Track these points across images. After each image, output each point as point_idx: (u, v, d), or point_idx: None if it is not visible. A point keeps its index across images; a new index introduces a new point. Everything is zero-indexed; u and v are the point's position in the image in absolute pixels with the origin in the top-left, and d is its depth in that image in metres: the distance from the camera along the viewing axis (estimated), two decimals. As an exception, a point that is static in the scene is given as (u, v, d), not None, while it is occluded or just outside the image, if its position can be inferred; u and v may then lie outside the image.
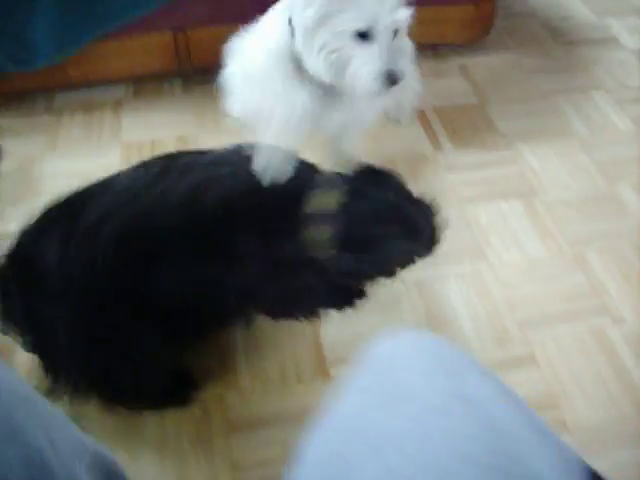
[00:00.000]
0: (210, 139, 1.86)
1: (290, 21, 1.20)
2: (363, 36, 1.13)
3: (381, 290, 1.53)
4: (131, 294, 1.13)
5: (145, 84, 2.06)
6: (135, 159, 1.31)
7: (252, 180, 1.17)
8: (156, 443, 1.31)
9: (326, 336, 1.48)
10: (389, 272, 1.28)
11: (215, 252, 1.15)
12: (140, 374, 1.23)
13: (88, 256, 1.10)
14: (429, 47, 2.21)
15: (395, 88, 1.16)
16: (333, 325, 1.49)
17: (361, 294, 1.40)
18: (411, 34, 2.08)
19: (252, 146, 1.23)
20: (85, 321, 1.14)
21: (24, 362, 1.32)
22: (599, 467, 0.65)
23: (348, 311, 1.39)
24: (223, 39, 1.35)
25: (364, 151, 1.82)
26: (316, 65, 1.19)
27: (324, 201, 1.17)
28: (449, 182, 1.81)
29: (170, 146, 1.88)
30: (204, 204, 1.14)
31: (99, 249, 1.10)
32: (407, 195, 1.27)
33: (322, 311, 1.37)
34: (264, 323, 1.41)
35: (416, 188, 1.68)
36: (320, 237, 1.15)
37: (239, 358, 1.44)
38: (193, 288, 1.16)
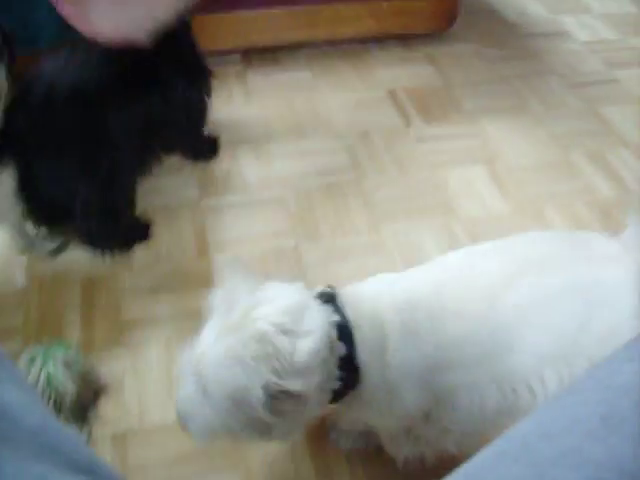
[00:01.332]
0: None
1: None
2: None
3: (362, 240, 1.71)
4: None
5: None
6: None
7: None
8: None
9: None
10: None
11: None
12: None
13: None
14: (398, 37, 2.41)
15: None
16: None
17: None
18: (381, 26, 2.30)
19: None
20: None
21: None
22: None
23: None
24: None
25: (341, 123, 2.02)
26: None
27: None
28: (420, 151, 2.00)
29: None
30: None
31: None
32: None
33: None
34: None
35: (391, 158, 1.88)
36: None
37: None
38: None
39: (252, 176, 1.90)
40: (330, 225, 1.76)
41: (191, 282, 1.62)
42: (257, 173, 1.90)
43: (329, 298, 1.05)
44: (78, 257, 1.66)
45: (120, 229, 1.66)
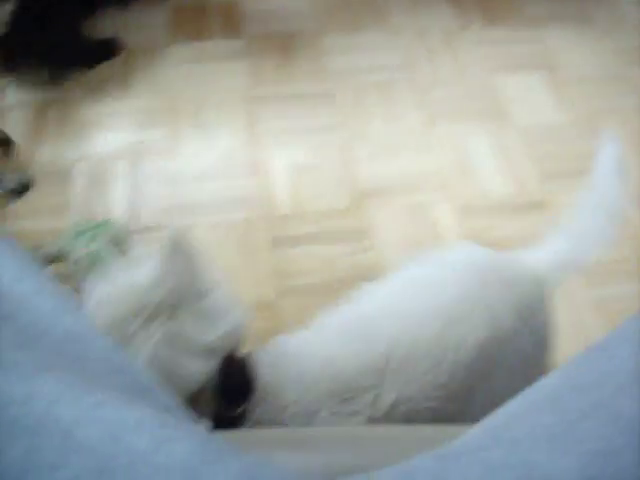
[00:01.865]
0: (255, 2, 1.97)
1: None
2: None
3: (413, 138, 1.67)
4: None
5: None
6: None
7: None
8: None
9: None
10: None
11: None
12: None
13: None
14: None
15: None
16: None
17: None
18: None
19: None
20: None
21: None
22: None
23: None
24: None
25: (398, 19, 1.94)
26: None
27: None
28: (478, 54, 1.92)
29: (215, 9, 1.99)
30: None
31: None
32: None
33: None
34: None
35: (448, 58, 1.81)
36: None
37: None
38: None
39: (302, 68, 1.84)
40: (381, 122, 1.72)
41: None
42: (310, 66, 1.85)
43: None
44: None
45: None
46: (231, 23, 1.97)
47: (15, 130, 1.65)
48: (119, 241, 1.39)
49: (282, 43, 1.91)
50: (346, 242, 1.49)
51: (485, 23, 2.00)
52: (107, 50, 1.84)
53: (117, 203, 1.55)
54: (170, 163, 1.62)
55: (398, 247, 1.48)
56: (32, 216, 1.52)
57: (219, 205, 1.55)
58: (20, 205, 1.49)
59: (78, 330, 0.60)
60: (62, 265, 1.35)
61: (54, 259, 1.36)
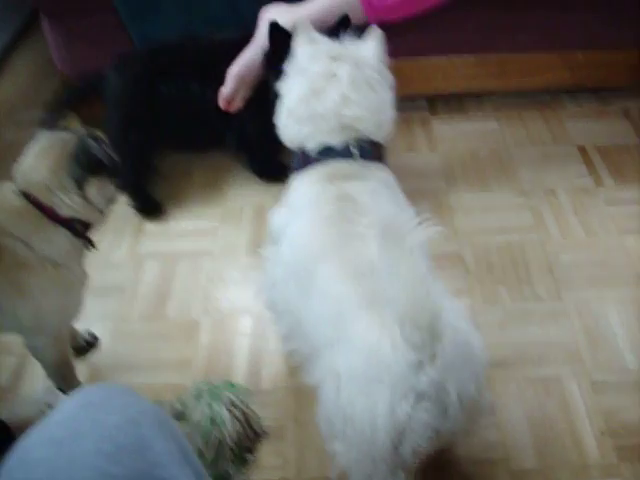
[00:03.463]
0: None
1: None
2: None
3: (542, 306, 1.63)
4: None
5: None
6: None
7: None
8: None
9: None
10: None
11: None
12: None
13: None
14: (592, 89, 2.30)
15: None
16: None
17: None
18: (576, 77, 2.20)
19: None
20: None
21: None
22: None
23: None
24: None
25: (526, 178, 1.94)
26: None
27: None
28: (610, 214, 1.88)
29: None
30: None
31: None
32: None
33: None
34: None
35: (578, 220, 1.78)
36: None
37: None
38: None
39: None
40: (509, 287, 1.69)
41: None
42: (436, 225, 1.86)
43: None
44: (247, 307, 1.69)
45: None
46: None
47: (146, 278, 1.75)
48: (239, 404, 1.40)
49: (409, 200, 1.94)
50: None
51: (616, 182, 1.97)
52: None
53: (239, 362, 1.58)
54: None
55: (524, 426, 1.42)
56: (153, 369, 1.58)
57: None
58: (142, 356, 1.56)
59: None
60: (182, 424, 1.38)
61: (175, 418, 1.39)
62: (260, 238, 1.86)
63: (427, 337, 0.89)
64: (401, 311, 0.90)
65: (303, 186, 1.24)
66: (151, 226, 1.94)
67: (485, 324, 1.61)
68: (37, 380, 1.59)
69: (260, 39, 1.49)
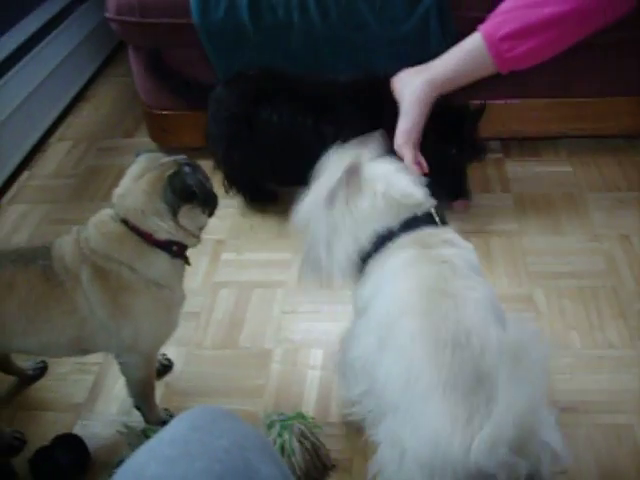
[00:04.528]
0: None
1: None
2: None
3: (615, 353, 1.62)
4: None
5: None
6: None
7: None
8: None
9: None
10: None
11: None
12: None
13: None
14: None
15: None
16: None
17: None
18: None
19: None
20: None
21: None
22: None
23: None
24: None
25: (599, 223, 1.93)
26: None
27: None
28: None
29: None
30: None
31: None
32: None
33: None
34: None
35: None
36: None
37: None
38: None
39: (500, 269, 1.87)
40: (581, 332, 1.69)
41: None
42: (508, 267, 1.87)
43: None
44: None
45: None
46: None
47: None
48: (309, 435, 1.42)
49: (482, 241, 1.95)
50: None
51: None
52: None
53: (309, 393, 1.60)
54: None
55: (595, 473, 1.40)
56: (225, 396, 1.62)
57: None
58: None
59: None
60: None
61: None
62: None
63: (514, 456, 0.88)
64: (499, 430, 0.87)
65: (393, 255, 1.20)
66: (227, 255, 2.00)
67: (555, 368, 1.60)
68: (112, 400, 1.64)
69: (411, 107, 1.59)
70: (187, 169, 1.31)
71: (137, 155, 1.38)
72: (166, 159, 1.34)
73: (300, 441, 1.40)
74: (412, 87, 1.60)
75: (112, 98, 2.96)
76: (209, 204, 1.38)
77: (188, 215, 1.33)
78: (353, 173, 1.22)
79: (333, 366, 1.62)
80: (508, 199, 2.12)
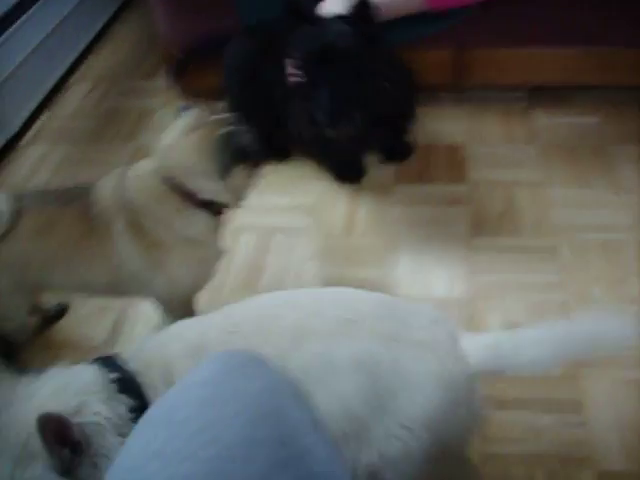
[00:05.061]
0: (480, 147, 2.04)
1: None
2: None
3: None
4: None
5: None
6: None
7: None
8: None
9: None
10: None
11: None
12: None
13: None
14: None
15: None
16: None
17: None
18: None
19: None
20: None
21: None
22: None
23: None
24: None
25: (627, 176, 1.90)
26: None
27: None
28: None
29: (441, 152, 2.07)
30: None
31: None
32: None
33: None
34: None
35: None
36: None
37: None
38: None
39: (525, 219, 1.85)
40: (604, 286, 1.67)
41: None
42: (532, 218, 1.85)
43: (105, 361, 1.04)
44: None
45: None
46: (456, 167, 2.02)
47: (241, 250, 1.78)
48: None
49: (507, 191, 1.93)
50: (556, 413, 1.44)
51: None
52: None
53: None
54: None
55: (613, 426, 1.41)
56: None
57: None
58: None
59: None
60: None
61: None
62: (354, 220, 1.88)
63: None
64: None
65: None
66: (249, 199, 1.97)
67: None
68: (132, 343, 1.64)
69: None
70: (239, 129, 1.27)
71: (182, 109, 1.34)
72: (216, 116, 1.30)
73: None
74: None
75: (132, 39, 2.92)
76: (258, 165, 1.34)
77: (237, 176, 1.30)
78: None
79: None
80: (533, 149, 2.09)
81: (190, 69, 2.33)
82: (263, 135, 2.00)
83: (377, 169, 2.05)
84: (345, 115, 1.59)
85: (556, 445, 1.39)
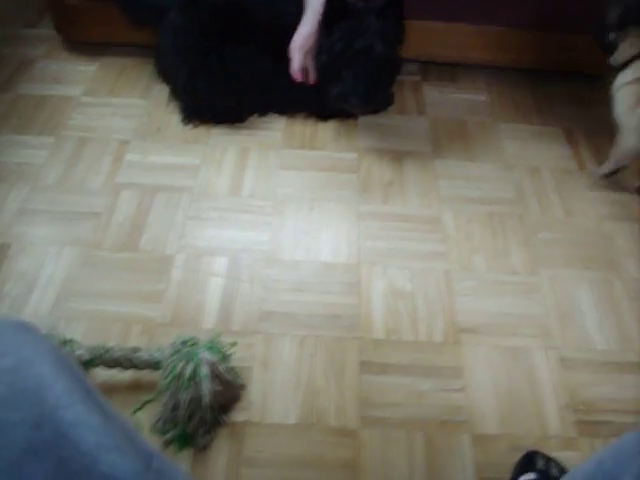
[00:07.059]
0: (372, 117, 2.02)
1: None
2: None
3: (517, 279, 1.64)
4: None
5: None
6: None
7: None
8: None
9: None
10: None
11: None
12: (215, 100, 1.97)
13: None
14: (585, 74, 2.30)
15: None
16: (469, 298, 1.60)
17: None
18: (571, 60, 2.19)
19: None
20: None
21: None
22: None
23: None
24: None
25: (511, 153, 1.94)
26: None
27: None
28: (590, 198, 1.90)
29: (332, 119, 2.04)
30: None
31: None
32: None
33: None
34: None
35: (558, 200, 1.79)
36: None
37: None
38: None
39: (412, 189, 1.85)
40: (486, 256, 1.70)
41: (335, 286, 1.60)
42: (419, 188, 1.85)
43: None
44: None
45: None
46: (346, 135, 2.01)
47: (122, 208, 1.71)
48: (220, 363, 1.36)
49: (395, 160, 1.93)
50: (437, 378, 1.45)
51: (600, 166, 1.97)
52: None
53: (211, 301, 1.55)
54: (268, 269, 1.63)
55: (490, 392, 1.43)
56: (122, 299, 1.55)
57: (312, 319, 1.54)
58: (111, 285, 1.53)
59: (117, 475, 0.59)
60: (154, 373, 1.34)
61: (147, 366, 1.35)
62: (240, 182, 1.83)
63: None
64: None
65: None
66: (131, 156, 1.90)
67: (460, 290, 1.62)
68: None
69: (311, 15, 1.73)
70: None
71: None
72: None
73: (211, 369, 1.33)
74: None
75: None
76: None
77: None
78: None
79: (237, 274, 1.59)
80: (423, 122, 2.10)
81: (78, 17, 2.21)
82: (221, 107, 1.99)
83: (266, 132, 2.00)
84: (375, 96, 1.79)
85: (436, 409, 1.40)
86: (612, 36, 1.70)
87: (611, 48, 1.73)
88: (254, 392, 1.40)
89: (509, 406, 1.41)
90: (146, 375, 1.36)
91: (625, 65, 1.71)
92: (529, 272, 1.68)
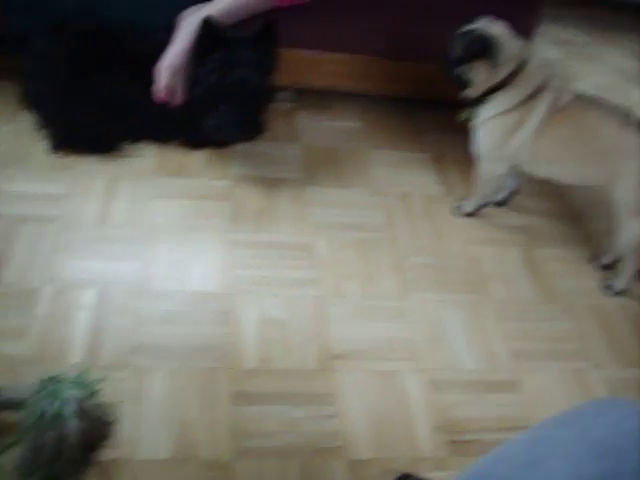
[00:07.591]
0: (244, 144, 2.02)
1: None
2: None
3: (389, 304, 1.67)
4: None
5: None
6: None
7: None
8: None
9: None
10: None
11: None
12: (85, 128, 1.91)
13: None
14: (452, 102, 2.37)
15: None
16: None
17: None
18: (437, 89, 2.26)
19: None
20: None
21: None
22: None
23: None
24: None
25: (382, 179, 1.98)
26: None
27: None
28: (458, 223, 1.97)
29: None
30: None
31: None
32: None
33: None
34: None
35: (427, 225, 1.84)
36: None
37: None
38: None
39: (284, 217, 1.85)
40: (358, 282, 1.72)
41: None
42: (291, 216, 1.86)
43: None
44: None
45: None
46: (218, 162, 1.99)
47: None
48: (88, 401, 1.30)
49: (266, 188, 1.93)
50: (311, 405, 1.44)
51: (466, 194, 2.03)
52: None
53: (79, 335, 1.49)
54: (138, 300, 1.58)
55: (363, 417, 1.44)
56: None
57: (183, 351, 1.50)
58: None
59: None
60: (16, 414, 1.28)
61: (8, 407, 1.29)
62: (110, 211, 1.78)
63: None
64: None
65: None
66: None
67: (333, 316, 1.62)
68: None
69: (183, 37, 1.75)
70: None
71: None
72: None
73: (77, 407, 1.27)
74: (191, 20, 1.76)
75: None
76: None
77: None
78: None
79: (106, 306, 1.54)
80: (296, 149, 2.11)
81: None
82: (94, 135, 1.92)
83: (138, 159, 1.96)
84: (249, 126, 1.86)
85: (309, 437, 1.39)
86: (458, 70, 1.75)
87: (461, 82, 1.77)
88: (125, 428, 1.35)
89: (382, 430, 1.42)
90: (9, 416, 1.28)
91: (482, 98, 1.76)
92: (400, 296, 1.71)
